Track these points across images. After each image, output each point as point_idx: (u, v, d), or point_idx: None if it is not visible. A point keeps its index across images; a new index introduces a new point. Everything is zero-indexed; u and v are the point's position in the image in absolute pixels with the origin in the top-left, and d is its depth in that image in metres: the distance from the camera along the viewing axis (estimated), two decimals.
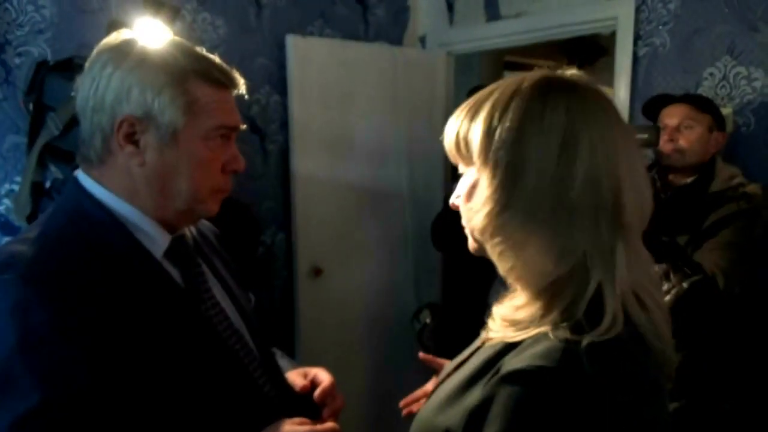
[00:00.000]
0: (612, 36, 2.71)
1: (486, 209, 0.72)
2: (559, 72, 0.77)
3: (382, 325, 2.81)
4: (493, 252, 0.75)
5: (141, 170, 0.85)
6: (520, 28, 2.61)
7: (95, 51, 0.87)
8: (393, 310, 2.82)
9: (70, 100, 1.53)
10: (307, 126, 2.47)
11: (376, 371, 2.76)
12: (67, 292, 0.74)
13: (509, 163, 0.70)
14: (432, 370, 1.38)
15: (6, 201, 1.87)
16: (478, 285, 2.23)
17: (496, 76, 4.19)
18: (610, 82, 4.46)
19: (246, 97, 0.93)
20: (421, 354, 1.41)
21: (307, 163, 2.50)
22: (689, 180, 1.77)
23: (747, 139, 1.97)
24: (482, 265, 2.40)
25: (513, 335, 0.73)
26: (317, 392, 1.01)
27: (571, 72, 0.77)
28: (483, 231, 0.74)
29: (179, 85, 0.83)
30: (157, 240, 0.88)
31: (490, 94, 0.76)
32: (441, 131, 2.56)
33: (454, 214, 2.36)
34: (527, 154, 0.69)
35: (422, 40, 3.00)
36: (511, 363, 0.68)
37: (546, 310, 0.71)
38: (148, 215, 0.87)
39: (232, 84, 0.90)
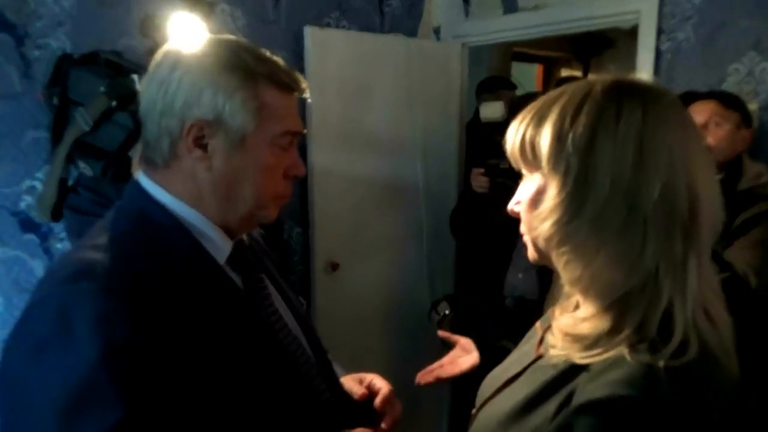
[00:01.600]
0: (620, 29, 2.69)
1: (554, 217, 0.70)
2: (631, 76, 0.75)
3: (398, 318, 2.81)
4: (558, 261, 0.73)
5: (207, 175, 0.84)
6: (538, 21, 2.59)
7: (161, 53, 0.85)
8: (408, 303, 2.81)
9: (100, 96, 1.52)
10: (325, 119, 2.45)
11: (392, 364, 2.76)
12: (146, 302, 0.73)
13: (581, 169, 0.67)
14: (448, 350, 1.38)
15: (27, 197, 1.84)
16: (492, 276, 2.24)
17: (505, 67, 4.18)
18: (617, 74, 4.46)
19: (309, 100, 0.91)
20: (440, 332, 1.42)
21: (325, 156, 2.48)
22: (717, 178, 1.76)
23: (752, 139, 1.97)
24: (496, 256, 2.41)
25: (580, 355, 0.69)
26: (378, 401, 1.00)
27: (644, 76, 0.75)
28: (549, 240, 0.71)
29: (250, 89, 0.81)
30: (220, 246, 0.87)
31: (558, 97, 0.73)
32: (456, 124, 2.58)
33: (471, 204, 2.33)
34: (601, 160, 0.67)
35: (437, 32, 2.98)
36: (588, 390, 0.65)
37: (615, 326, 0.68)
38: (212, 220, 0.86)
39: (298, 88, 0.88)
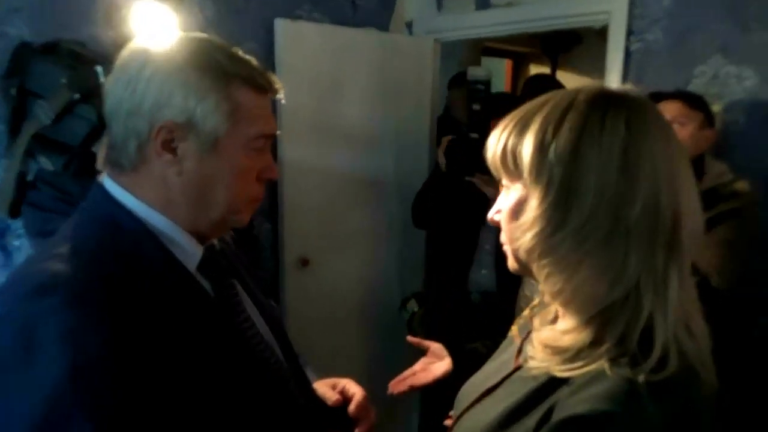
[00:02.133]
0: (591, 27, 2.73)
1: (536, 229, 0.69)
2: (614, 87, 0.74)
3: (369, 314, 2.80)
4: (539, 273, 0.71)
5: (178, 180, 0.80)
6: (511, 18, 2.59)
7: (128, 50, 0.81)
8: (379, 299, 2.81)
9: (62, 88, 1.46)
10: (295, 113, 2.40)
11: (363, 361, 2.76)
12: (114, 315, 0.69)
13: (564, 180, 0.66)
14: (420, 353, 1.39)
15: None
16: (459, 269, 2.25)
17: (475, 62, 4.19)
18: (585, 71, 4.54)
19: (283, 102, 0.89)
20: (409, 337, 1.42)
21: (295, 151, 2.44)
22: None
23: (735, 138, 2.01)
24: (461, 248, 2.42)
25: (561, 368, 0.69)
26: (353, 407, 0.99)
27: (626, 87, 0.75)
28: (530, 251, 0.70)
29: (224, 90, 0.78)
30: (190, 253, 0.84)
31: (542, 106, 0.72)
32: (428, 119, 2.56)
33: (434, 193, 2.31)
34: (584, 171, 0.66)
35: (409, 26, 2.95)
36: (569, 405, 0.65)
37: (596, 339, 0.68)
38: (181, 226, 0.83)
39: (272, 89, 0.85)
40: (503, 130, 0.74)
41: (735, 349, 1.77)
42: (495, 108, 2.18)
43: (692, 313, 0.69)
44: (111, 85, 0.80)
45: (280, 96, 0.87)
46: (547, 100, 0.72)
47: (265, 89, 0.84)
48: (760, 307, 1.99)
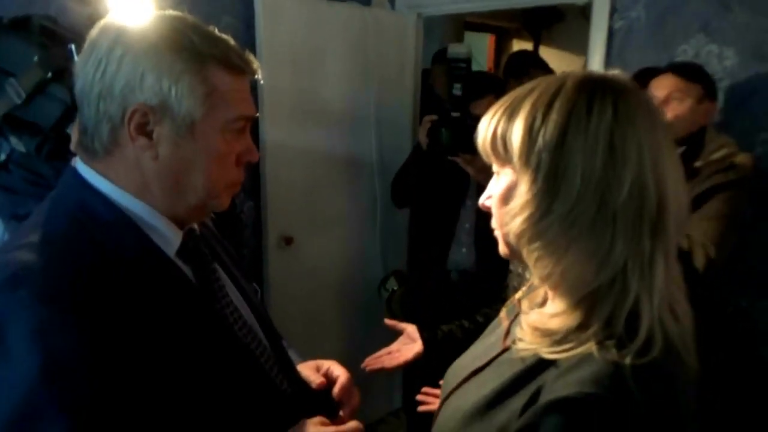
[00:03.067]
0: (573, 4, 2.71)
1: (525, 214, 0.70)
2: (602, 72, 0.74)
3: (351, 293, 2.81)
4: (529, 258, 0.73)
5: (153, 164, 0.78)
6: None
7: (98, 28, 0.77)
8: (361, 278, 2.81)
9: (34, 66, 1.41)
10: (277, 89, 2.37)
11: (344, 339, 2.77)
12: (86, 308, 0.68)
13: (552, 165, 0.68)
14: (397, 334, 1.42)
15: None
16: (440, 247, 2.26)
17: (457, 37, 4.16)
18: (567, 48, 4.53)
19: (261, 82, 0.86)
20: (386, 320, 1.45)
21: (277, 129, 2.40)
22: (678, 151, 1.77)
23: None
24: (442, 226, 2.42)
25: (549, 350, 0.70)
26: (336, 390, 0.99)
27: (614, 72, 0.75)
28: (520, 236, 0.72)
29: (198, 73, 0.76)
30: (169, 239, 0.83)
31: (530, 92, 0.72)
32: (410, 96, 2.54)
33: (415, 172, 2.30)
34: (572, 156, 0.67)
35: (391, 1, 2.90)
36: (556, 388, 0.66)
37: (584, 322, 0.70)
38: (159, 211, 0.81)
39: (250, 70, 0.83)
40: (493, 115, 0.75)
41: (713, 327, 1.81)
42: (475, 89, 2.16)
43: (677, 296, 0.71)
44: (80, 65, 0.78)
45: (258, 76, 0.85)
46: (536, 85, 0.73)
47: (243, 70, 0.81)
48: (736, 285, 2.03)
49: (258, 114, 0.88)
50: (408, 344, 1.34)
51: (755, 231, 1.96)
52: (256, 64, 0.84)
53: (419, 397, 1.10)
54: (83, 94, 0.78)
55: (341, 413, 0.99)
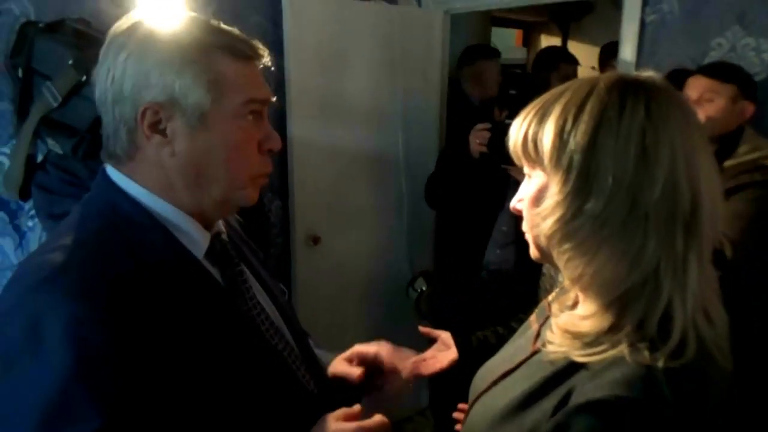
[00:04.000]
0: None
1: (556, 215, 0.70)
2: (634, 73, 0.74)
3: (377, 291, 2.81)
4: (560, 259, 0.73)
5: (173, 161, 0.79)
6: None
7: (108, 38, 0.79)
8: (388, 277, 2.82)
9: (69, 69, 1.44)
10: (304, 88, 2.38)
11: (371, 337, 2.77)
12: (119, 306, 0.70)
13: (583, 167, 0.67)
14: (430, 338, 1.42)
15: None
16: (471, 248, 2.24)
17: (484, 33, 4.11)
18: (596, 41, 4.44)
19: (272, 68, 0.86)
20: (420, 327, 1.45)
21: (304, 127, 2.41)
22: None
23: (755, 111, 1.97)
24: (474, 227, 2.37)
25: (580, 353, 0.70)
26: (386, 358, 1.04)
27: (647, 73, 0.74)
28: (551, 237, 0.71)
29: (201, 62, 0.77)
30: (197, 241, 0.84)
31: (561, 94, 0.72)
32: (437, 93, 2.50)
33: (447, 173, 2.28)
34: (603, 158, 0.67)
35: None
36: (587, 390, 0.66)
37: (615, 324, 0.69)
38: (186, 211, 0.82)
39: (257, 55, 0.83)
40: (524, 118, 0.75)
41: (751, 329, 1.77)
42: (532, 92, 2.10)
43: (711, 299, 0.70)
44: (96, 75, 0.80)
45: (267, 62, 0.85)
46: (567, 87, 0.73)
47: (248, 56, 0.81)
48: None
49: (274, 98, 0.87)
50: (443, 350, 1.35)
51: None
52: (263, 50, 0.84)
53: (455, 415, 1.10)
54: (101, 102, 0.80)
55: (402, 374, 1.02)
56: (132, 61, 0.76)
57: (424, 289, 2.52)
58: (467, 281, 2.24)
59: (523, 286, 1.90)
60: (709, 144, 0.72)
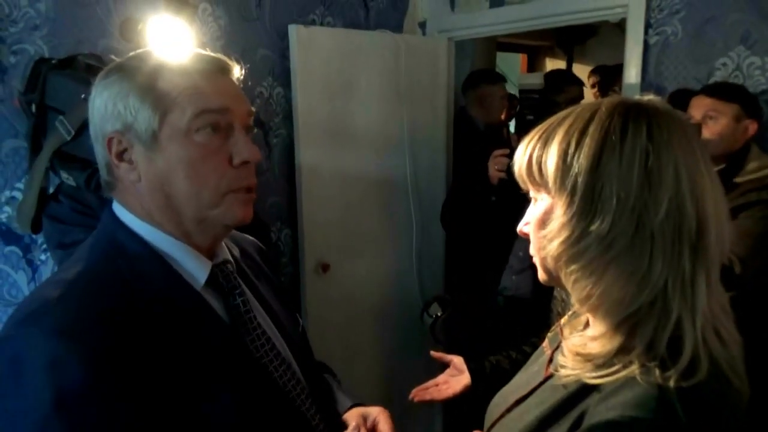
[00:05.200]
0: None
1: (562, 236, 0.70)
2: (636, 97, 0.75)
3: (388, 318, 2.79)
4: (567, 281, 0.73)
5: (141, 186, 0.81)
6: (525, 14, 2.57)
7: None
8: (399, 302, 2.80)
9: (81, 103, 1.47)
10: (311, 118, 2.41)
11: (382, 364, 2.76)
12: (105, 344, 0.69)
13: (587, 189, 0.68)
14: (443, 366, 1.41)
15: (7, 209, 1.78)
16: (485, 274, 2.22)
17: (489, 58, 4.16)
18: (601, 63, 4.48)
19: (249, 83, 0.88)
20: (432, 352, 1.44)
21: (312, 156, 2.44)
22: (716, 169, 1.75)
23: (760, 129, 1.96)
24: (488, 252, 2.35)
25: (591, 375, 0.70)
26: None
27: (648, 96, 0.75)
28: (558, 259, 0.72)
29: (145, 85, 0.79)
30: (195, 271, 0.83)
31: (564, 119, 0.73)
32: (443, 119, 2.52)
33: (464, 198, 2.26)
34: (607, 179, 0.67)
35: (422, 26, 2.94)
36: (599, 411, 0.65)
37: (626, 345, 0.69)
38: (176, 237, 0.82)
39: (212, 66, 0.82)
40: (528, 142, 0.76)
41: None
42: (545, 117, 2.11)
43: (723, 320, 0.70)
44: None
45: (234, 74, 0.85)
46: (570, 112, 0.74)
47: (202, 69, 0.81)
48: None
49: (254, 111, 0.87)
50: (455, 375, 1.34)
51: None
52: (224, 62, 0.84)
53: None
54: (94, 139, 0.84)
55: None
56: (96, 98, 0.81)
57: (439, 314, 2.50)
58: (483, 307, 2.22)
59: (539, 311, 1.88)
60: (711, 164, 0.72)
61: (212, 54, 0.83)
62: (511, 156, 1.98)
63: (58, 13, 1.80)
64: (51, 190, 1.61)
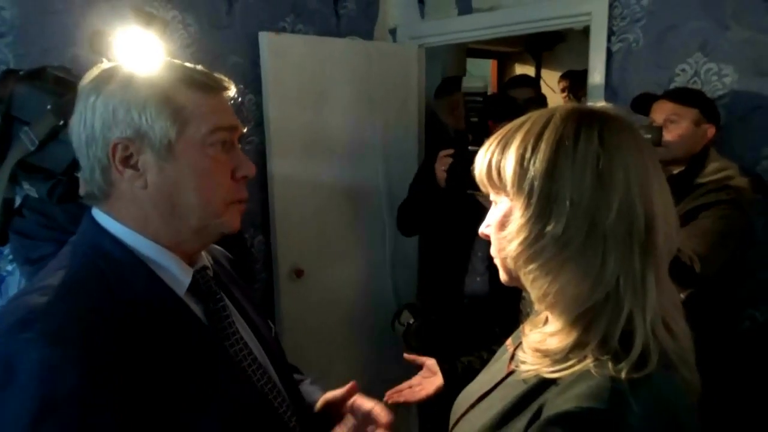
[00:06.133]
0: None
1: (520, 237, 0.73)
2: (589, 104, 0.78)
3: (363, 322, 2.81)
4: (526, 279, 0.76)
5: (146, 193, 0.82)
6: (493, 21, 2.61)
7: (79, 88, 0.84)
8: (373, 308, 2.82)
9: (47, 114, 1.45)
10: (283, 124, 2.42)
11: (358, 369, 2.76)
12: (94, 349, 0.70)
13: (543, 191, 0.71)
14: (419, 369, 1.43)
15: None
16: (452, 277, 2.25)
17: (460, 64, 4.21)
18: (568, 68, 4.57)
19: (239, 99, 0.90)
20: (405, 355, 1.46)
21: (284, 163, 2.45)
22: (677, 171, 1.80)
23: (717, 132, 2.03)
24: (453, 256, 2.36)
25: (549, 370, 0.73)
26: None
27: (601, 104, 0.78)
28: (517, 259, 0.75)
29: (163, 96, 0.80)
30: (178, 276, 0.85)
31: (521, 125, 0.77)
32: (415, 125, 2.53)
33: (417, 200, 2.26)
34: (562, 182, 0.71)
35: (392, 33, 2.97)
36: (557, 404, 0.68)
37: (581, 340, 0.72)
38: (166, 247, 0.84)
39: (219, 86, 0.86)
40: (488, 147, 0.79)
41: (723, 342, 1.80)
42: (495, 115, 2.14)
43: (673, 314, 0.73)
44: (72, 124, 0.84)
45: (232, 92, 0.88)
46: (528, 118, 0.77)
47: (210, 87, 0.85)
48: (749, 298, 2.02)
49: (245, 129, 0.91)
50: (429, 377, 1.36)
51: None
52: (226, 82, 0.87)
53: None
54: (77, 147, 0.83)
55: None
56: (100, 102, 0.80)
57: (410, 322, 2.51)
58: (451, 310, 2.25)
59: (504, 311, 1.91)
60: (661, 167, 0.76)
61: (215, 74, 0.86)
62: (454, 156, 2.02)
63: (24, 21, 1.79)
64: (17, 204, 1.59)
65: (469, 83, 2.28)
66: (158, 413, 0.73)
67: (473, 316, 2.17)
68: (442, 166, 2.07)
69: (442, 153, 2.09)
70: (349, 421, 1.00)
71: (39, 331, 0.69)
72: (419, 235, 2.68)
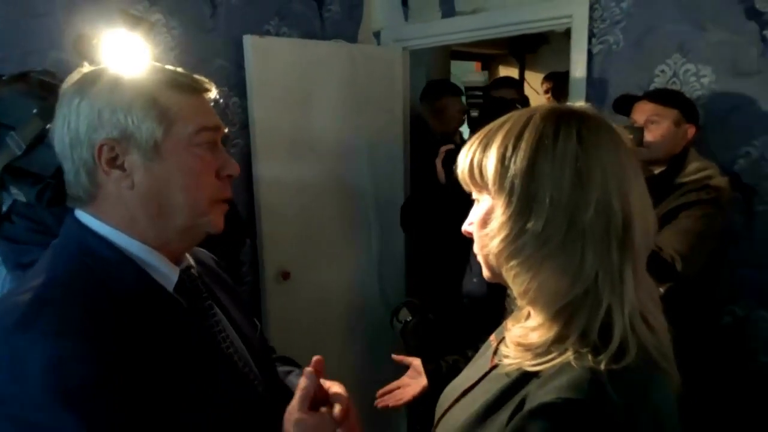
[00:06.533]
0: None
1: (502, 234, 0.75)
2: (568, 104, 0.80)
3: (351, 323, 2.82)
4: (508, 275, 0.78)
5: (133, 194, 0.83)
6: (476, 24, 2.64)
7: (61, 91, 0.84)
8: (360, 307, 2.83)
9: (33, 118, 1.45)
10: (268, 127, 2.42)
11: (348, 371, 2.77)
12: (99, 340, 0.72)
13: (524, 189, 0.73)
14: (404, 368, 1.45)
15: None
16: (449, 276, 2.26)
17: (444, 66, 4.24)
18: (552, 70, 4.63)
19: (220, 100, 0.91)
20: (393, 356, 1.47)
21: (270, 165, 2.45)
22: (658, 171, 1.84)
23: (697, 133, 2.08)
24: (450, 254, 2.37)
25: (531, 363, 0.75)
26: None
27: (579, 104, 0.80)
28: (498, 255, 0.77)
29: (149, 98, 0.82)
30: (166, 274, 0.86)
31: (502, 125, 0.79)
32: (400, 126, 2.55)
33: (420, 199, 2.28)
34: (542, 180, 0.72)
35: (377, 36, 2.99)
36: (538, 396, 0.70)
37: (562, 333, 0.74)
38: (152, 246, 0.85)
39: (201, 87, 0.88)
40: (470, 147, 0.80)
41: (704, 337, 1.83)
42: (492, 112, 2.16)
43: (651, 309, 0.75)
44: (54, 127, 0.84)
45: (214, 94, 0.89)
46: (509, 118, 0.79)
47: (193, 89, 0.86)
48: (730, 295, 2.06)
49: (227, 129, 0.92)
50: (415, 377, 1.37)
51: (748, 241, 2.01)
52: (208, 84, 0.89)
53: None
54: (61, 152, 0.84)
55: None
56: (84, 104, 0.80)
57: (409, 320, 2.52)
58: (449, 309, 2.26)
59: (501, 311, 1.93)
60: (638, 165, 0.78)
61: (197, 76, 0.87)
62: (456, 151, 2.04)
63: (6, 24, 1.77)
64: (4, 210, 1.58)
65: (470, 78, 2.30)
66: (155, 397, 0.74)
67: (471, 316, 2.19)
68: (441, 161, 2.11)
69: (443, 148, 2.12)
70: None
71: (42, 328, 0.70)
72: (408, 236, 2.69)
